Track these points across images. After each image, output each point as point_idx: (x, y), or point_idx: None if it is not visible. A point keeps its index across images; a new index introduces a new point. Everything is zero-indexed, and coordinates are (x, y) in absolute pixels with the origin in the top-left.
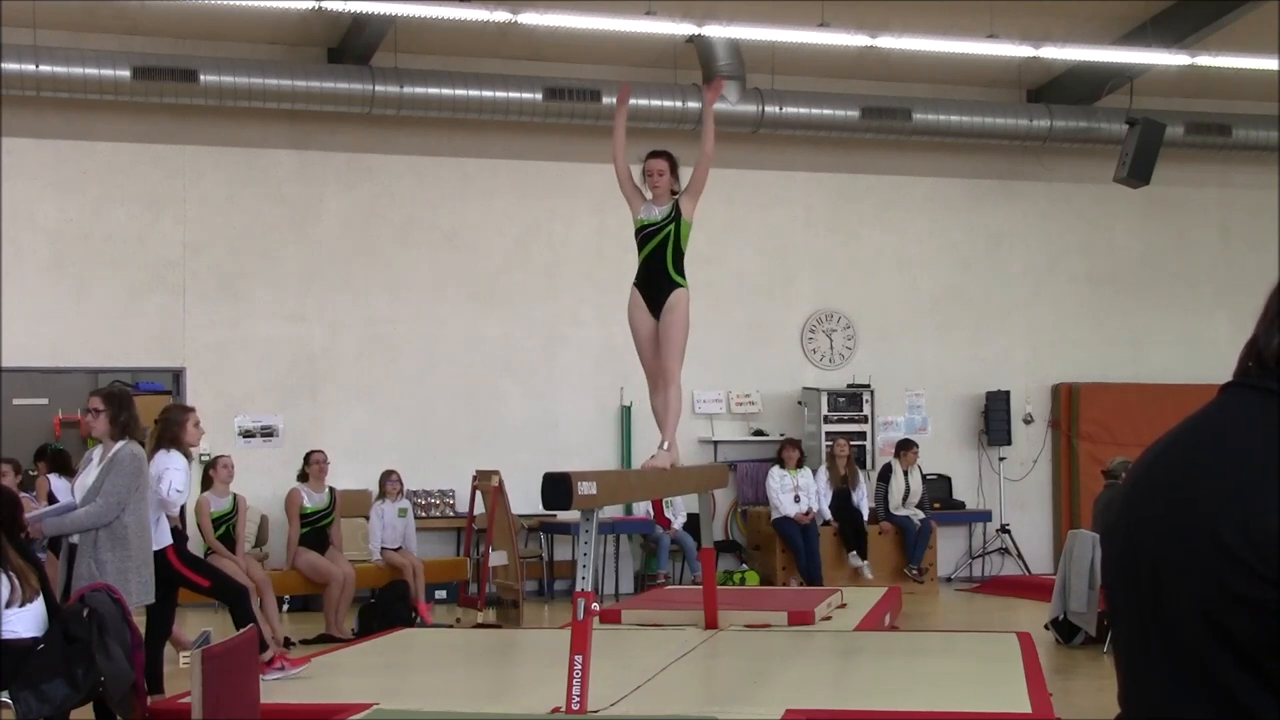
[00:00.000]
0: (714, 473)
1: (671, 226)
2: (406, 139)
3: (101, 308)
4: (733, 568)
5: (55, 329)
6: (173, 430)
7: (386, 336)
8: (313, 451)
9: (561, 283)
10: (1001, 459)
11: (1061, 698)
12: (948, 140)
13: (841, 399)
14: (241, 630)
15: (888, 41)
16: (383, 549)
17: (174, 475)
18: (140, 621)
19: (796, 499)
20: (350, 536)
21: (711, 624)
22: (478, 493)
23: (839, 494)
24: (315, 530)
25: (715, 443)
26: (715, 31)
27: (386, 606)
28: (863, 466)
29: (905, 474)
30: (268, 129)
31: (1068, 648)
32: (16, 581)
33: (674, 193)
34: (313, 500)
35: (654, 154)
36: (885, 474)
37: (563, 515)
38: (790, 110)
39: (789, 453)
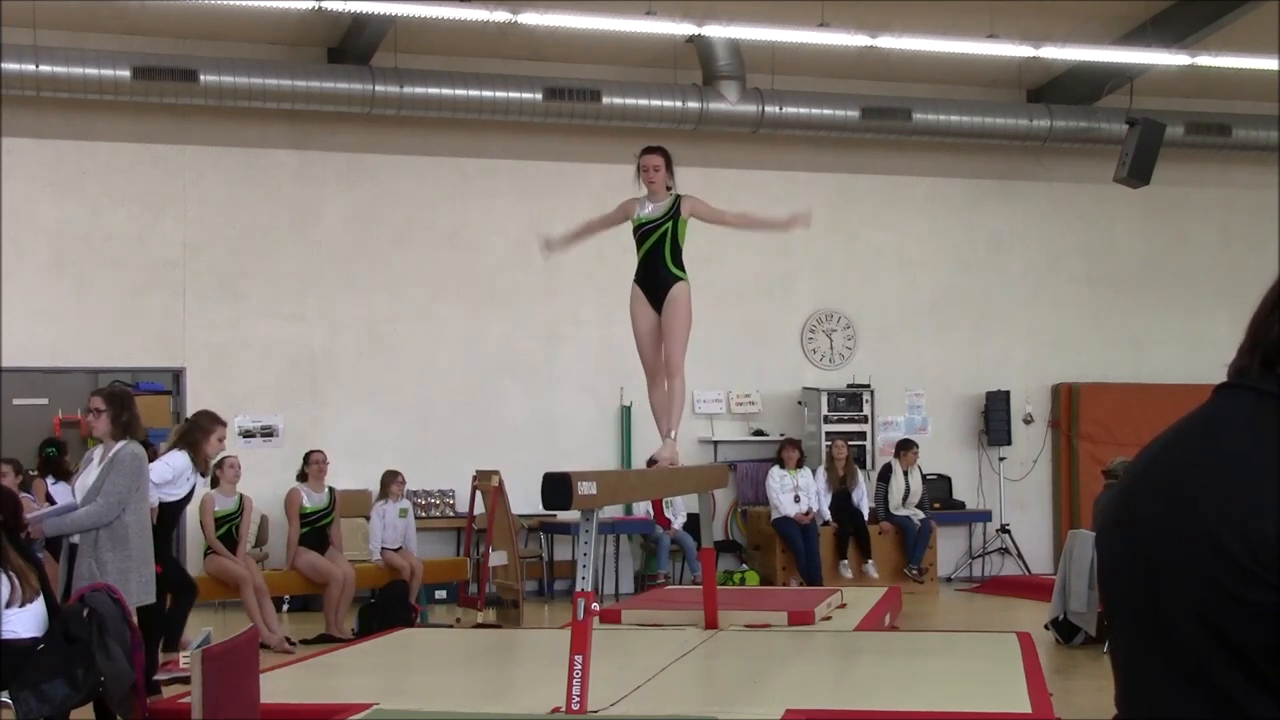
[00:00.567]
0: (714, 473)
1: (669, 223)
2: (406, 139)
3: (101, 308)
4: (733, 568)
5: (55, 329)
6: (195, 435)
7: (386, 336)
8: (312, 451)
9: (561, 282)
10: (1001, 459)
11: (1061, 698)
12: (948, 140)
13: (841, 399)
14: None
15: (888, 41)
16: (383, 549)
17: (161, 469)
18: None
19: (796, 499)
20: (350, 536)
21: (711, 624)
22: (478, 493)
23: (838, 495)
24: (315, 530)
25: (715, 443)
26: (715, 31)
27: (386, 607)
28: (863, 466)
29: (905, 474)
30: (268, 129)
31: (1068, 648)
32: (16, 581)
33: (669, 188)
34: (312, 500)
35: (649, 150)
36: (885, 474)
37: (563, 515)
38: (790, 110)
39: (789, 453)
